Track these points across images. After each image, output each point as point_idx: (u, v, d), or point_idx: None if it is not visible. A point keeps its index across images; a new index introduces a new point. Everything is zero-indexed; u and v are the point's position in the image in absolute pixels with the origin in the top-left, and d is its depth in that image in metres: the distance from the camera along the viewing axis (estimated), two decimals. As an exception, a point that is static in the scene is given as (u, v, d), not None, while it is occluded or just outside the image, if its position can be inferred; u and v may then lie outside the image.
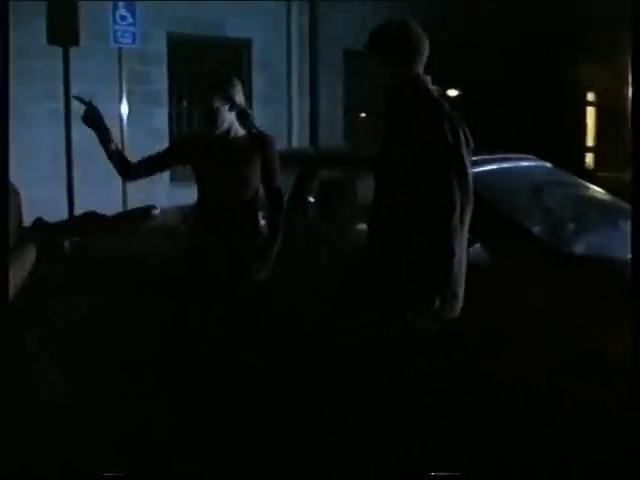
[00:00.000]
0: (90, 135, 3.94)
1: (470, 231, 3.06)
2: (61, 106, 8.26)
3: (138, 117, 9.12)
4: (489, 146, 4.34)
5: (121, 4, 8.15)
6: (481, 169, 4.00)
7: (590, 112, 13.75)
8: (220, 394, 3.76)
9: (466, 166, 2.95)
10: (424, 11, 11.79)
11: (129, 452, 3.67)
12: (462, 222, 2.89)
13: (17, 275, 2.03)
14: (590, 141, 13.80)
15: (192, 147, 4.08)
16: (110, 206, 3.60)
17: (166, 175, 9.67)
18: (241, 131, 4.00)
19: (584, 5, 11.87)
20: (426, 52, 3.14)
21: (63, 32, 7.98)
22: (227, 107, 3.90)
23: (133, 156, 4.09)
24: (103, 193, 7.65)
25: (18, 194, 2.17)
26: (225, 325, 3.86)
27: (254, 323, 3.88)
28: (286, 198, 4.28)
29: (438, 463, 3.13)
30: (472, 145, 3.08)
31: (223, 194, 3.94)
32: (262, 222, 4.14)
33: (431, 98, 3.08)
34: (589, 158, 13.60)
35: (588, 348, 3.31)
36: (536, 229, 3.97)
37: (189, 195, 4.34)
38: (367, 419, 3.26)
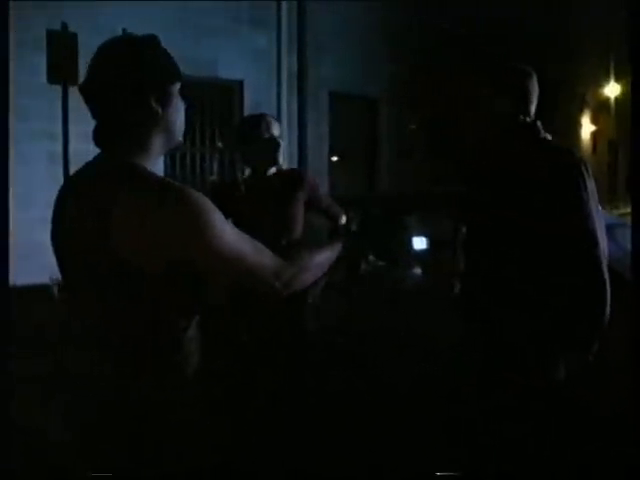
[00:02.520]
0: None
1: None
2: (60, 147, 8.00)
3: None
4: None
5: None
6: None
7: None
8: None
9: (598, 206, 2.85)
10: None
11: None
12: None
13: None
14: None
15: (224, 199, 3.81)
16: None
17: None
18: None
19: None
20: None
21: (63, 70, 7.75)
22: None
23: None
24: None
25: None
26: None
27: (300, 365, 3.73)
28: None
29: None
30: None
31: (265, 239, 3.75)
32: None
33: (559, 146, 2.97)
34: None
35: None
36: (617, 266, 3.92)
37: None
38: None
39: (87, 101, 1.94)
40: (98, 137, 1.94)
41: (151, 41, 1.97)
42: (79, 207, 1.85)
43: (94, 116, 1.95)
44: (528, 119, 2.99)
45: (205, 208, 1.80)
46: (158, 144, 1.97)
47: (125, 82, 1.89)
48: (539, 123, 3.01)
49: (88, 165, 1.95)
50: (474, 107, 3.05)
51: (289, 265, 2.03)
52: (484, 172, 3.06)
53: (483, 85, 3.01)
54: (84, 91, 1.95)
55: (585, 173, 2.79)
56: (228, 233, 1.86)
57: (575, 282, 2.75)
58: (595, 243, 2.75)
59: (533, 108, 3.02)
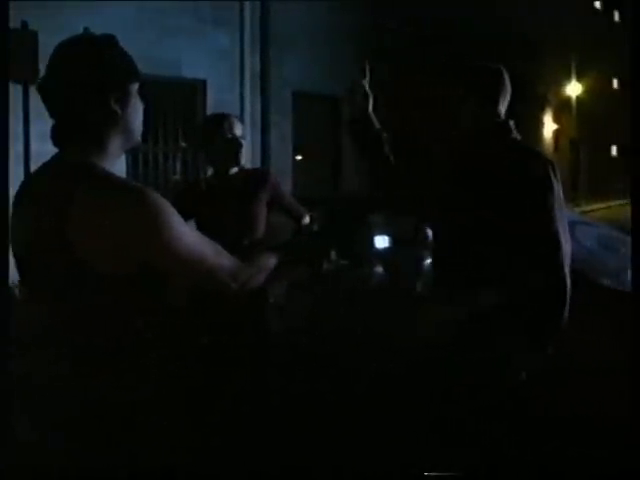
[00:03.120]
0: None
1: None
2: (21, 147, 7.90)
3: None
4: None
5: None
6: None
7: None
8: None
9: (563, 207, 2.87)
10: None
11: None
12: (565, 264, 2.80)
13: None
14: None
15: (187, 199, 3.77)
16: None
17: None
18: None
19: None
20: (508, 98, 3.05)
21: (23, 69, 7.65)
22: None
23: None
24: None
25: None
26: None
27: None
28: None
29: None
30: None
31: (227, 239, 3.73)
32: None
33: (527, 146, 2.98)
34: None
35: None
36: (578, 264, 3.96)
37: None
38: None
39: (45, 100, 1.92)
40: (56, 136, 1.93)
41: (109, 41, 1.96)
42: (36, 207, 1.83)
43: (52, 115, 1.93)
44: (498, 119, 2.99)
45: (163, 209, 1.79)
46: (116, 144, 1.95)
47: (84, 81, 1.88)
48: (511, 123, 3.01)
49: (45, 165, 1.93)
50: (444, 107, 3.04)
51: (246, 266, 2.05)
52: (455, 172, 3.04)
53: (453, 85, 3.00)
54: (42, 89, 1.93)
55: (552, 175, 2.80)
56: (186, 235, 1.86)
57: (539, 283, 2.77)
58: (558, 246, 2.76)
59: (504, 107, 3.01)
